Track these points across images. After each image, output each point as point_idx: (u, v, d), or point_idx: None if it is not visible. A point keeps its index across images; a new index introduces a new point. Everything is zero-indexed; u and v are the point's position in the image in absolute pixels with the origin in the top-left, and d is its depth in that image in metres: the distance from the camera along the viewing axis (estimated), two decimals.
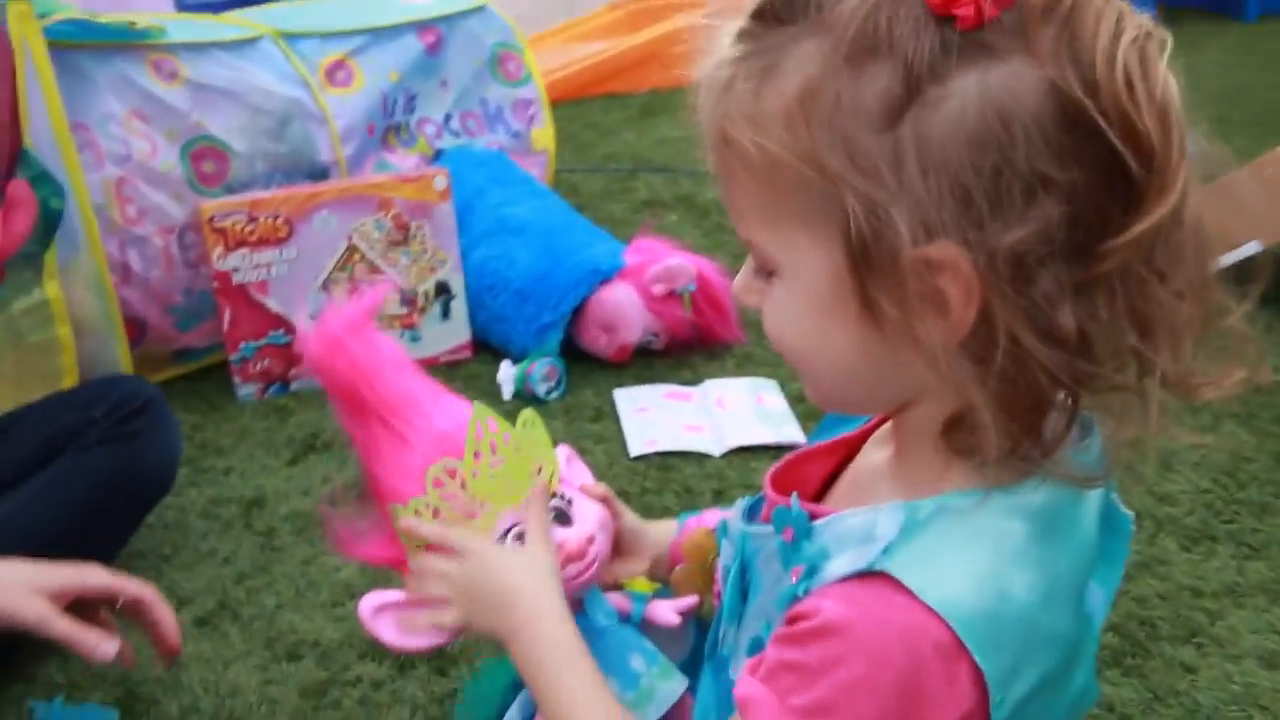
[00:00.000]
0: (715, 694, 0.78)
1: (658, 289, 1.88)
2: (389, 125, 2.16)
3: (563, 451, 0.95)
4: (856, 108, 0.54)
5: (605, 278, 1.90)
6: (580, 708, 0.74)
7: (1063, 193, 0.53)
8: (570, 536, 0.86)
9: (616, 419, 1.77)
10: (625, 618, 0.89)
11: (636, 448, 1.67)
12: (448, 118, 2.25)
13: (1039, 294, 0.54)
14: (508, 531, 0.84)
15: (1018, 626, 0.58)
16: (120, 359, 1.73)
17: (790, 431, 1.69)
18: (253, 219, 1.82)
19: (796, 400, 1.78)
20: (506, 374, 1.86)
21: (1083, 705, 0.67)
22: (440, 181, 1.92)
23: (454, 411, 0.87)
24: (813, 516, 0.65)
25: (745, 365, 1.92)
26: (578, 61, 3.74)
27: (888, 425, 0.71)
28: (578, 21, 4.22)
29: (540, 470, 0.87)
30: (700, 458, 1.66)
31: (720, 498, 1.54)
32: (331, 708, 1.20)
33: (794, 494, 0.67)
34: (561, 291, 1.89)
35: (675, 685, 0.85)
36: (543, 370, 1.83)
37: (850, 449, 0.76)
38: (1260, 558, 1.37)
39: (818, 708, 0.57)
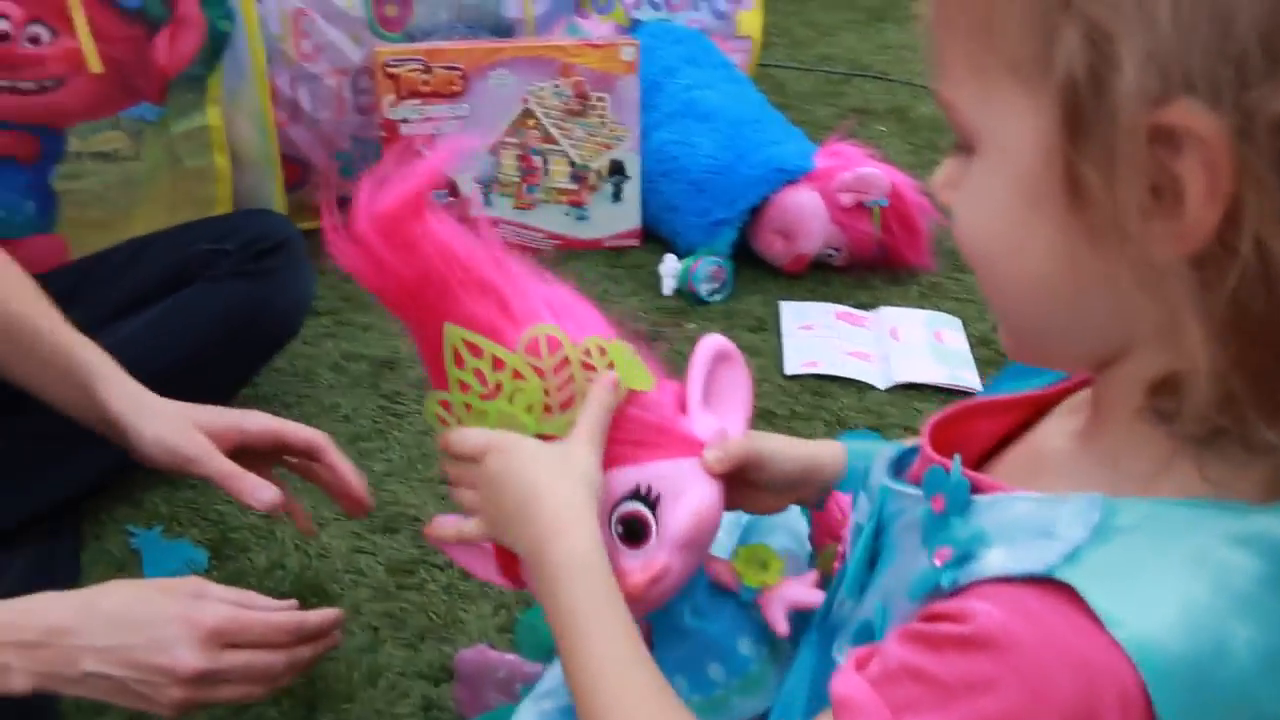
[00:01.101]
0: (813, 668, 0.64)
1: (846, 199, 1.71)
2: None
3: (709, 345, 0.71)
4: None
5: (790, 179, 1.73)
6: (609, 670, 0.59)
7: None
8: (635, 568, 0.65)
9: (778, 333, 1.62)
10: (728, 592, 0.71)
11: (793, 366, 1.53)
12: None
13: None
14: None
15: (1226, 695, 0.43)
16: (274, 197, 1.68)
17: (966, 376, 1.51)
18: (428, 69, 1.73)
19: (980, 344, 1.59)
20: (670, 268, 1.73)
21: None
22: (628, 52, 1.78)
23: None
24: (975, 489, 0.50)
25: (930, 297, 1.73)
26: None
27: (1086, 392, 0.54)
28: None
29: (562, 380, 0.67)
30: (862, 388, 1.50)
31: (876, 436, 1.38)
32: (415, 589, 1.12)
33: (956, 456, 0.52)
34: (741, 188, 1.74)
35: (755, 703, 0.70)
36: (708, 269, 1.69)
37: (1034, 410, 0.60)
38: None
39: None
